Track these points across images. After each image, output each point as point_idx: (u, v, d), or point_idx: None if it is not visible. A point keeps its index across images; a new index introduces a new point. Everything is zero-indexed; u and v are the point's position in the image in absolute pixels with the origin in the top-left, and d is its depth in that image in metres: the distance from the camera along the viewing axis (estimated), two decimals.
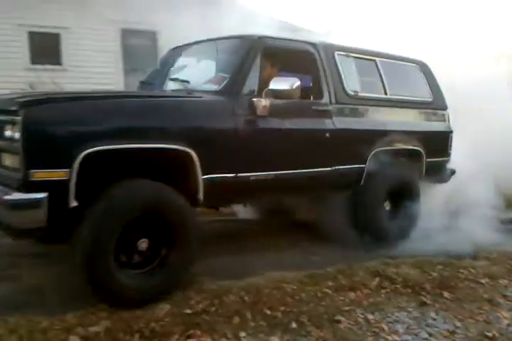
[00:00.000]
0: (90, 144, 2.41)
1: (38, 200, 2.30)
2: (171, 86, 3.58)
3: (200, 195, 2.91)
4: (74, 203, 2.39)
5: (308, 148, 3.50)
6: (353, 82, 3.90)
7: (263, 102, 3.13)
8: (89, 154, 2.39)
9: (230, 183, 3.04)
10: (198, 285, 2.83)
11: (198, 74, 3.53)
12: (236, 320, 2.48)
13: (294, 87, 3.17)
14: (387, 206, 4.10)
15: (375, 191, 3.94)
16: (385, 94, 4.14)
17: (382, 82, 4.13)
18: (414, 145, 4.21)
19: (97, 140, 2.44)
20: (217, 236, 4.11)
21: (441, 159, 4.55)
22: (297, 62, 3.83)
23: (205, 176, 2.88)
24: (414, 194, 4.19)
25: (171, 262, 2.69)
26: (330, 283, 3.00)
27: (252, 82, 3.19)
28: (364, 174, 3.86)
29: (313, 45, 3.74)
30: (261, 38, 3.41)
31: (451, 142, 4.61)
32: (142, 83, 4.09)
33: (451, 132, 4.63)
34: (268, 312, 2.58)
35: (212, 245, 3.48)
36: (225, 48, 3.52)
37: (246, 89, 3.18)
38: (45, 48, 9.47)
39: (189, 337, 2.28)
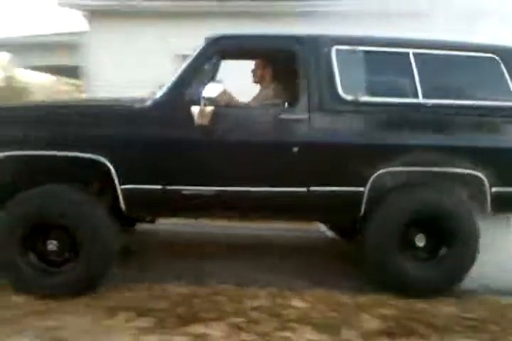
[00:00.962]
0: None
1: None
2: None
3: (122, 205, 2.93)
4: None
5: (267, 163, 3.03)
6: (354, 84, 3.14)
7: (201, 110, 2.85)
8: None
9: (157, 196, 2.94)
10: None
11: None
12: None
13: (215, 94, 2.82)
14: (420, 242, 3.19)
15: (381, 225, 3.10)
16: (416, 97, 3.16)
17: (414, 82, 3.16)
18: (463, 168, 3.10)
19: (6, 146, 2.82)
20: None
21: None
22: (274, 63, 3.54)
23: (124, 186, 2.89)
24: (463, 232, 3.13)
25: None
26: None
27: (198, 89, 2.88)
28: (364, 201, 3.07)
29: (296, 40, 3.15)
30: (218, 39, 3.08)
31: None
32: None
33: None
34: None
35: None
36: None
37: (188, 97, 2.94)
38: None
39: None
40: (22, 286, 2.85)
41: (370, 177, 3.01)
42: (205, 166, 2.99)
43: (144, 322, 2.60)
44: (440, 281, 3.12)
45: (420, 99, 3.13)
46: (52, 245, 2.89)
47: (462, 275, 3.13)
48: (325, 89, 3.05)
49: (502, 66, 3.21)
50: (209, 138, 2.96)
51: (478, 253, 3.10)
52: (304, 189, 3.01)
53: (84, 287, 2.91)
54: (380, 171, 3.02)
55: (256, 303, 2.88)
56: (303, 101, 3.04)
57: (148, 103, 3.01)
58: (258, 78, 3.68)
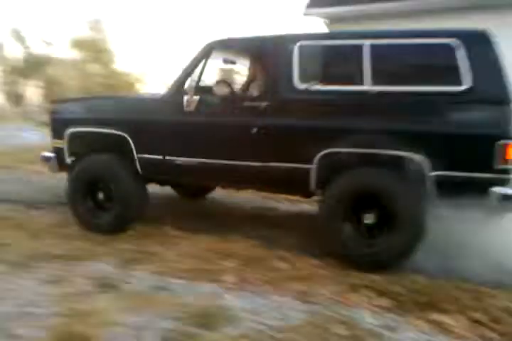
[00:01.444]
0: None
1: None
2: None
3: (138, 168, 4.08)
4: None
5: (233, 141, 3.75)
6: (311, 75, 3.58)
7: (189, 99, 3.78)
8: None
9: (158, 163, 3.98)
10: None
11: None
12: None
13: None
14: (368, 220, 3.36)
15: (328, 201, 3.45)
16: (364, 85, 3.35)
17: (362, 71, 3.35)
18: (402, 150, 3.20)
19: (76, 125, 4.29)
20: None
21: (473, 175, 3.11)
22: (250, 59, 4.50)
23: (139, 155, 4.05)
24: (402, 211, 3.21)
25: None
26: None
27: (191, 83, 3.84)
28: (312, 177, 3.46)
29: (269, 40, 3.77)
30: (210, 43, 3.88)
31: (500, 151, 3.03)
32: None
33: (502, 137, 3.03)
34: None
35: None
36: None
37: (183, 89, 3.87)
38: None
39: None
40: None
41: (315, 156, 3.42)
42: (190, 143, 3.92)
43: (383, 302, 2.86)
44: (383, 257, 3.30)
45: (368, 87, 3.35)
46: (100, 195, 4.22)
47: (406, 253, 3.29)
48: (282, 81, 3.60)
49: (456, 51, 3.17)
50: (192, 121, 3.88)
51: (425, 233, 3.22)
52: (260, 163, 3.63)
53: None
54: (325, 151, 3.40)
55: (497, 303, 2.83)
56: (263, 91, 3.82)
57: (158, 95, 4.17)
58: (248, 74, 4.75)
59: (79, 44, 27.23)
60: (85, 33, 26.76)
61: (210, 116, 3.86)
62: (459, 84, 3.18)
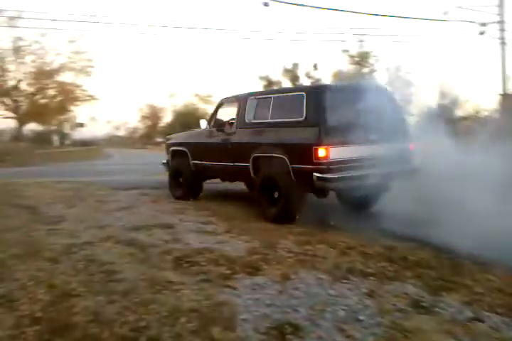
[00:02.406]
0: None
1: None
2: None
3: (192, 167, 7.76)
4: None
5: (221, 152, 7.09)
6: (251, 114, 6.68)
7: (210, 130, 7.58)
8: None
9: (199, 165, 7.65)
10: None
11: None
12: None
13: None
14: (275, 195, 6.08)
15: (257, 182, 6.40)
16: (269, 119, 6.36)
17: (269, 111, 6.37)
18: (277, 153, 5.95)
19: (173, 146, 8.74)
20: None
21: (305, 166, 5.58)
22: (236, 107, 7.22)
23: (193, 161, 7.74)
24: (284, 186, 5.90)
25: None
26: None
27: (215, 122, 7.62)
28: (250, 170, 6.46)
29: (239, 96, 7.25)
30: (223, 98, 7.79)
31: (315, 153, 5.42)
32: None
33: (315, 144, 5.44)
34: None
35: None
36: None
37: (210, 125, 7.68)
38: None
39: None
40: None
41: (250, 158, 6.38)
42: (208, 154, 7.46)
43: None
44: (281, 216, 5.90)
45: (270, 119, 6.35)
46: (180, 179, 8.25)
47: (291, 213, 5.91)
48: (241, 118, 6.81)
49: (304, 98, 5.84)
50: (207, 142, 7.51)
51: (302, 200, 5.95)
52: (232, 164, 6.84)
53: None
54: (253, 155, 6.34)
55: None
56: (234, 124, 7.00)
57: (197, 130, 8.27)
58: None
59: None
60: None
61: (212, 139, 7.41)
62: (301, 116, 5.79)
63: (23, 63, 39.14)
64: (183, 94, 44.22)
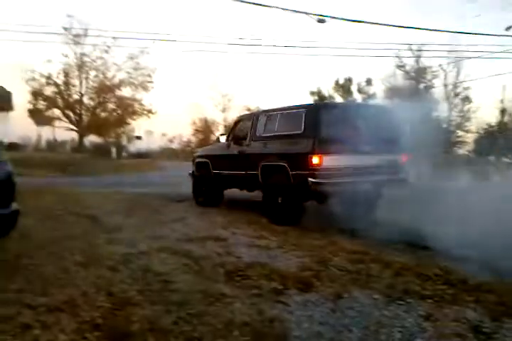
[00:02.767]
0: None
1: None
2: None
3: (213, 175, 8.88)
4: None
5: (237, 162, 8.16)
6: (262, 129, 7.75)
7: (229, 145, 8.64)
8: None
9: (218, 174, 8.68)
10: None
11: None
12: None
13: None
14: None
15: (265, 188, 7.50)
16: (276, 132, 7.40)
17: (276, 125, 7.45)
18: (279, 162, 6.99)
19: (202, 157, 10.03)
20: None
21: (302, 172, 6.53)
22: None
23: (213, 171, 8.86)
24: (285, 190, 6.97)
25: None
26: None
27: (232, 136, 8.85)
28: (259, 177, 7.45)
29: (252, 113, 9.85)
30: (239, 116, 10.51)
31: (310, 160, 6.42)
32: None
33: (310, 153, 6.46)
34: None
35: None
36: None
37: (228, 139, 8.89)
38: None
39: None
40: None
41: (259, 167, 7.37)
42: (226, 164, 8.47)
43: None
44: (284, 218, 6.91)
45: (276, 133, 7.39)
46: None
47: (293, 216, 6.92)
48: (254, 132, 7.88)
49: (303, 114, 6.86)
50: (225, 154, 8.55)
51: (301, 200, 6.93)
52: (244, 172, 7.85)
53: None
54: (262, 164, 7.34)
55: None
56: (248, 137, 7.98)
57: (218, 143, 9.33)
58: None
59: None
60: None
61: (230, 151, 8.42)
62: (300, 129, 6.77)
63: (86, 78, 41.27)
64: (235, 108, 44.92)
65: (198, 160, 9.54)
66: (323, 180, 6.25)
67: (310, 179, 6.28)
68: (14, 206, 4.16)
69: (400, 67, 24.85)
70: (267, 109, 8.22)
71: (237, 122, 8.87)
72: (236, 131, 8.54)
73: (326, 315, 3.32)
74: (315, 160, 6.29)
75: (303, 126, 6.69)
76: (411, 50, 24.08)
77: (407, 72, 24.84)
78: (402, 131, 7.17)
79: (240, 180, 8.11)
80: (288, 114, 7.31)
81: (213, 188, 8.94)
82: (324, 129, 6.49)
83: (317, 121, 6.58)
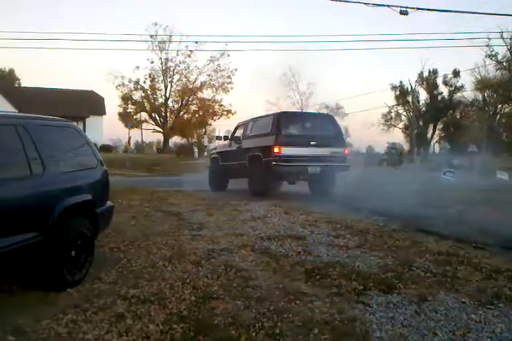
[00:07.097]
0: None
1: None
2: None
3: (221, 168, 12.35)
4: None
5: (235, 154, 11.36)
6: (249, 130, 11.25)
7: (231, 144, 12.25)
8: None
9: (226, 165, 11.93)
10: None
11: None
12: None
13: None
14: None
15: (251, 176, 10.75)
16: (257, 132, 10.96)
17: (258, 128, 11.02)
18: (257, 152, 10.39)
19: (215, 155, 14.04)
20: None
21: (268, 158, 9.92)
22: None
23: (221, 163, 12.35)
24: (259, 170, 10.27)
25: None
26: None
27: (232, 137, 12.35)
28: (247, 165, 10.51)
29: (246, 120, 12.39)
30: (239, 122, 12.95)
31: (274, 149, 9.82)
32: None
33: (274, 144, 9.87)
34: None
35: None
36: None
37: (230, 139, 12.32)
38: None
39: None
40: None
41: (247, 157, 10.58)
42: (228, 157, 11.90)
43: None
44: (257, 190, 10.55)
45: (257, 132, 10.92)
46: None
47: (264, 188, 10.43)
48: (245, 132, 11.43)
49: (271, 120, 10.67)
50: (228, 150, 12.11)
51: (268, 182, 10.48)
52: (238, 162, 10.96)
53: None
54: (248, 155, 10.55)
55: None
56: (242, 137, 11.43)
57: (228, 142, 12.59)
58: None
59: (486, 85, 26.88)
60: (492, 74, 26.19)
61: (233, 147, 11.53)
62: (268, 130, 10.43)
63: (170, 82, 43.09)
64: (313, 106, 44.60)
65: (212, 156, 13.48)
66: (282, 163, 9.60)
67: (273, 163, 9.62)
68: (109, 203, 4.98)
69: (491, 56, 23.23)
70: (254, 117, 11.92)
71: (237, 127, 12.36)
72: (236, 133, 11.91)
73: (409, 317, 3.23)
74: (276, 149, 9.66)
75: (270, 127, 10.15)
76: (503, 38, 22.43)
77: (498, 62, 23.15)
78: (341, 132, 11.16)
79: (236, 167, 11.19)
80: (264, 119, 11.07)
81: (221, 177, 12.17)
82: (283, 129, 10.07)
83: (279, 123, 10.10)
